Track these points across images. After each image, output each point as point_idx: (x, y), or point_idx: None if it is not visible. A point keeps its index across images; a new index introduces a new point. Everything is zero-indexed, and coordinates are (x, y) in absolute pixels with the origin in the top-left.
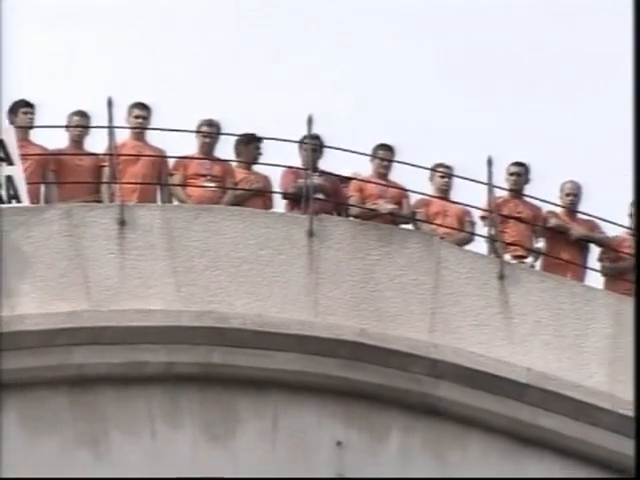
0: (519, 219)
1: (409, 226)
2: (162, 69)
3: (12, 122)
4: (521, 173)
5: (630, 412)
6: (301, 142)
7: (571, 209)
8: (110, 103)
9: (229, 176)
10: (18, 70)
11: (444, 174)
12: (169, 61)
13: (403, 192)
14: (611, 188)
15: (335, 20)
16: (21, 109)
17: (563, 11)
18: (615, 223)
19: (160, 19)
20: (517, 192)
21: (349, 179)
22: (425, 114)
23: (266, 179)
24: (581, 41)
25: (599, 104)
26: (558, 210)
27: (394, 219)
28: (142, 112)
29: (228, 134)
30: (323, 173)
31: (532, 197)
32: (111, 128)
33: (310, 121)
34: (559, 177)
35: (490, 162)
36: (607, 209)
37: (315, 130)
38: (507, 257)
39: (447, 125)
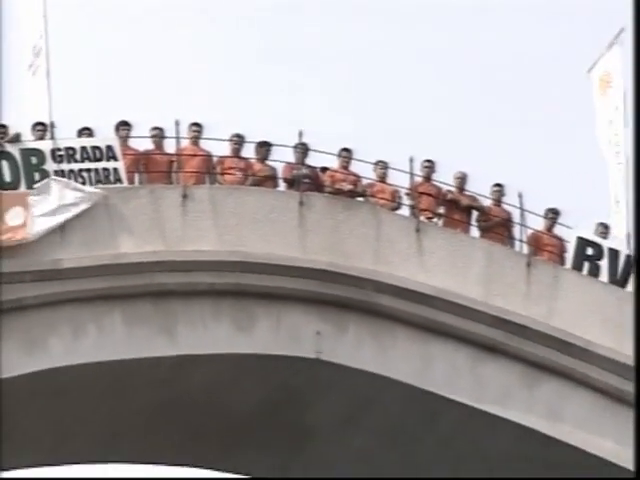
0: (429, 194)
1: (361, 199)
2: (206, 96)
3: (117, 134)
4: (430, 166)
5: (503, 315)
6: (295, 147)
7: (460, 188)
8: (177, 123)
9: (250, 168)
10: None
11: (382, 167)
12: (208, 91)
13: (357, 178)
14: (491, 174)
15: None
16: (121, 127)
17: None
18: (486, 196)
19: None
20: (427, 178)
21: (325, 170)
22: (379, 121)
23: (274, 169)
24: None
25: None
26: (452, 189)
27: (352, 194)
28: (197, 127)
29: (249, 142)
30: (308, 166)
31: (437, 181)
32: (178, 138)
33: (301, 134)
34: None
35: (411, 160)
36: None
37: (303, 139)
38: (422, 218)
39: (396, 127)
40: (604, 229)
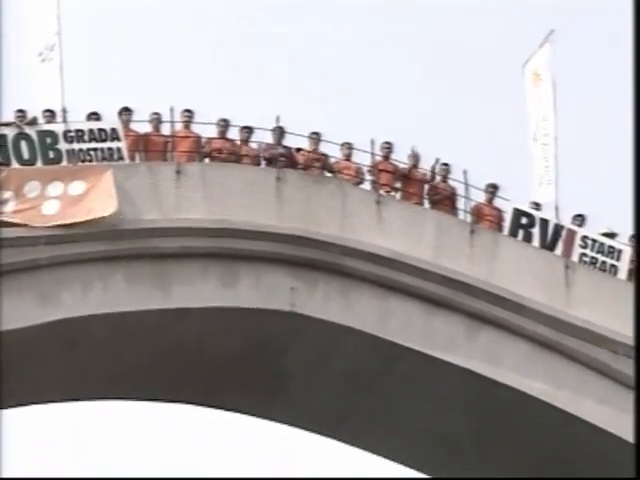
0: (387, 171)
1: (329, 175)
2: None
3: (120, 119)
4: (389, 147)
5: (450, 275)
6: (273, 130)
7: (414, 165)
8: (171, 109)
9: (234, 148)
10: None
11: (347, 147)
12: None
13: (326, 157)
14: (440, 155)
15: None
16: (124, 112)
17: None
18: (435, 173)
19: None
20: (386, 157)
21: (298, 150)
22: (345, 109)
23: (254, 149)
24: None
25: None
26: (406, 165)
27: (321, 171)
28: (188, 113)
29: (234, 125)
30: (284, 147)
31: (394, 160)
32: (172, 122)
33: (278, 119)
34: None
35: (372, 142)
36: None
37: (280, 124)
38: (381, 192)
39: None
40: (536, 206)
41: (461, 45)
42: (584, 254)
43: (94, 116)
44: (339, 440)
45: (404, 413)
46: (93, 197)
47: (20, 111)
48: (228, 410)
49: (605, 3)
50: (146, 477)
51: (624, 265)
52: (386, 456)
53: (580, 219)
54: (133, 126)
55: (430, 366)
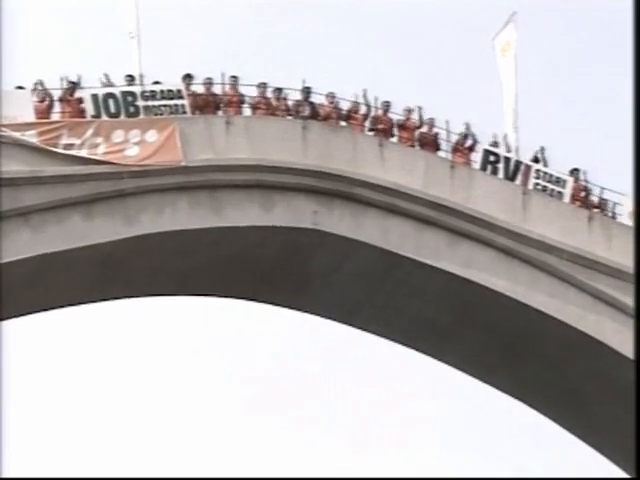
0: (387, 122)
1: (343, 124)
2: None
3: (183, 82)
4: (388, 104)
5: (436, 200)
6: (301, 90)
7: (407, 117)
8: (222, 74)
9: (270, 104)
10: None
11: (356, 103)
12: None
13: (338, 110)
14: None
15: None
16: (186, 78)
17: None
18: (424, 122)
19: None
20: (386, 111)
21: (320, 105)
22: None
23: (286, 104)
24: None
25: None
26: (402, 117)
27: (337, 121)
28: (234, 78)
29: (270, 86)
30: (310, 103)
31: (392, 112)
32: (223, 84)
33: (303, 81)
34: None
35: (375, 98)
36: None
37: (306, 84)
38: (382, 136)
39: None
40: (495, 144)
41: (446, 20)
42: (537, 183)
43: (157, 83)
44: (352, 326)
45: (401, 305)
46: (163, 145)
47: (128, 75)
48: (268, 303)
49: None
50: (146, 477)
51: (568, 192)
52: (386, 337)
53: (534, 160)
54: (193, 87)
55: (421, 270)
